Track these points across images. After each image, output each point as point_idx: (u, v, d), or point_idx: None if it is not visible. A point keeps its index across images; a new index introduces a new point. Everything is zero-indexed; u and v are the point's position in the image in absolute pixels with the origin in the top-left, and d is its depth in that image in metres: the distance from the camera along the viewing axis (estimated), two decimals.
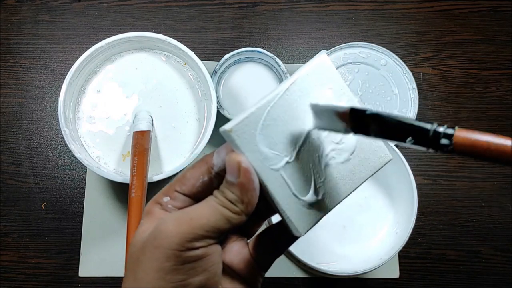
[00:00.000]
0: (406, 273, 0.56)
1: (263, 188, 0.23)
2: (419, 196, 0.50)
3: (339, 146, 0.25)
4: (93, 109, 0.51)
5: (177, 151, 0.50)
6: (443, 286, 0.57)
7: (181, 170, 0.47)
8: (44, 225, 0.55)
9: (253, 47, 0.55)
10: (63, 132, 0.46)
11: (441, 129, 0.17)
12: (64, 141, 0.47)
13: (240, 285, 0.25)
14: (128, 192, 0.40)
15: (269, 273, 0.54)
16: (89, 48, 0.48)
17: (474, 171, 0.60)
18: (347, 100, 0.26)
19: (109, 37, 0.49)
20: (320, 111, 0.24)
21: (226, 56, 0.54)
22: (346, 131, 0.21)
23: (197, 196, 0.24)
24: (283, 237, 0.26)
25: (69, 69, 0.47)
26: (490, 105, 0.63)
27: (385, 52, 0.59)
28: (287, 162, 0.24)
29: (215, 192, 0.23)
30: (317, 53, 0.26)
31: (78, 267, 0.53)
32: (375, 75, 0.60)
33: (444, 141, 0.17)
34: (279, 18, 0.64)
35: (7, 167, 0.57)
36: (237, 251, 0.26)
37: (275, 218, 0.26)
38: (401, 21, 0.65)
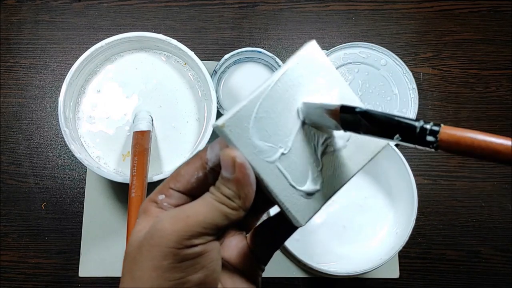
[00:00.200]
0: (406, 273, 0.56)
1: (259, 182, 0.23)
2: (419, 196, 0.50)
3: (335, 133, 0.25)
4: (93, 109, 0.51)
5: (177, 151, 0.50)
6: (443, 286, 0.57)
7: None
8: (44, 225, 0.55)
9: (253, 47, 0.55)
10: (63, 132, 0.46)
11: (428, 126, 0.17)
12: (64, 141, 0.47)
13: (239, 280, 0.25)
14: (128, 192, 0.40)
15: (269, 273, 0.54)
16: (89, 48, 0.48)
17: (474, 171, 0.60)
18: (339, 87, 0.25)
19: (109, 37, 0.49)
20: (311, 109, 0.24)
21: (226, 56, 0.54)
22: (336, 128, 0.22)
23: (192, 193, 0.24)
24: (281, 228, 0.26)
25: (69, 69, 0.47)
26: (490, 105, 0.63)
27: (385, 52, 0.59)
28: (283, 154, 0.24)
29: (211, 189, 0.23)
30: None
31: (78, 267, 0.53)
32: (375, 75, 0.60)
33: (430, 138, 0.17)
34: (279, 18, 0.64)
35: (7, 167, 0.57)
36: (236, 246, 0.26)
37: (273, 211, 0.26)
38: (401, 21, 0.65)
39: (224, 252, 0.25)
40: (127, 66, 0.52)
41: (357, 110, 0.20)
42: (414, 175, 0.51)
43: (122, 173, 0.49)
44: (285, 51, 0.63)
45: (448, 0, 0.66)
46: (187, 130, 0.51)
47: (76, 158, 0.46)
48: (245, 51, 0.55)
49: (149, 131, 0.47)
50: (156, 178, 0.46)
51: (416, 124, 0.18)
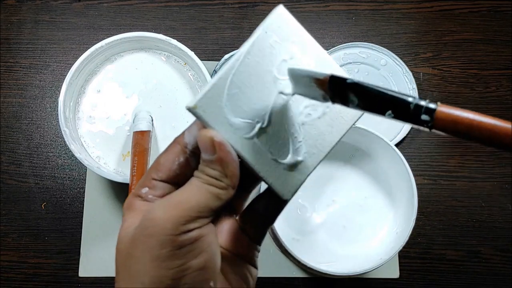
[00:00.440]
0: (406, 273, 0.56)
1: (241, 159, 0.23)
2: (419, 196, 0.50)
3: (313, 101, 0.24)
4: (93, 109, 0.51)
5: None
6: (443, 286, 0.57)
7: None
8: (44, 225, 0.55)
9: None
10: (63, 132, 0.46)
11: (423, 103, 0.16)
12: (64, 141, 0.47)
13: (236, 263, 0.24)
14: (128, 192, 0.40)
15: (269, 273, 0.54)
16: (89, 48, 0.48)
17: (474, 171, 0.60)
18: (314, 53, 0.24)
19: (109, 37, 0.49)
20: (297, 77, 0.22)
21: (226, 56, 0.54)
22: (324, 99, 0.20)
23: (176, 181, 0.23)
24: (270, 205, 0.25)
25: (69, 69, 0.47)
26: (490, 105, 0.63)
27: (385, 52, 0.59)
28: (261, 128, 0.23)
29: (196, 173, 0.22)
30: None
31: (78, 267, 0.53)
32: (375, 75, 0.60)
33: (424, 117, 0.16)
34: None
35: (7, 167, 0.57)
36: (227, 230, 0.25)
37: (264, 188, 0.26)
38: (401, 21, 0.65)
39: (218, 238, 0.25)
40: (127, 66, 0.52)
41: (348, 81, 0.18)
42: (414, 175, 0.51)
43: (122, 173, 0.49)
44: None
45: (448, 0, 0.66)
46: None
47: (76, 158, 0.46)
48: None
49: (149, 131, 0.47)
50: None
51: (410, 100, 0.16)
